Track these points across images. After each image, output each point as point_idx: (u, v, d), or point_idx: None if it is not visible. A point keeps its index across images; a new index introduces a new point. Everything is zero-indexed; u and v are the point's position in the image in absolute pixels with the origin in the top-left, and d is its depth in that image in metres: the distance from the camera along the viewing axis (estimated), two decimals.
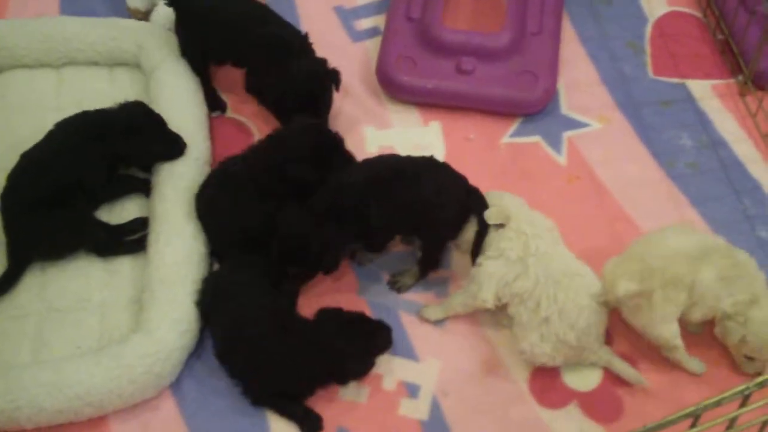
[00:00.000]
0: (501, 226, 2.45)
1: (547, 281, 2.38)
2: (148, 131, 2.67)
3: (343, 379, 2.43)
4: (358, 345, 2.40)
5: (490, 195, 2.53)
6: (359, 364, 2.43)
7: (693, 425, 1.78)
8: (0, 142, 2.83)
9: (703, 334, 2.48)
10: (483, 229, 2.47)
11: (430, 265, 2.62)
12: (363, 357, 2.42)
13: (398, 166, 2.52)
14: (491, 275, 2.41)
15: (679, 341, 2.38)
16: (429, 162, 2.55)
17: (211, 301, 2.45)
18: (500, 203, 2.49)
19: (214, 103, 2.98)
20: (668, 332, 2.36)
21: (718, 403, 1.74)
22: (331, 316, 2.42)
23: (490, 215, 2.46)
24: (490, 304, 2.43)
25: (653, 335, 2.38)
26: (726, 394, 1.78)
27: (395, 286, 2.63)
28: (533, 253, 2.40)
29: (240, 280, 2.48)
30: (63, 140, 2.64)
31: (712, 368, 2.46)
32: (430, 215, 2.49)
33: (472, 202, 2.52)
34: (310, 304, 2.52)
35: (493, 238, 2.45)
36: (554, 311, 2.37)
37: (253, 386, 2.40)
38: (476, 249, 2.48)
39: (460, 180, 2.54)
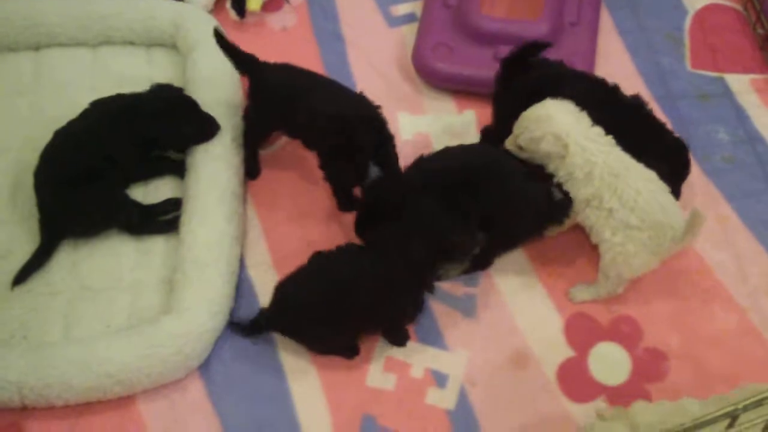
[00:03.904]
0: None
1: (608, 177, 2.39)
2: (180, 114, 2.67)
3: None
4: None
5: (538, 109, 2.47)
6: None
7: (730, 425, 1.75)
8: (34, 120, 2.85)
9: None
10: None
11: (483, 264, 2.61)
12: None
13: (469, 167, 2.50)
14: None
15: None
16: (512, 165, 2.52)
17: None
18: (551, 122, 2.42)
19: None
20: None
21: (758, 404, 1.70)
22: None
23: (552, 151, 2.44)
24: None
25: None
26: (767, 394, 1.74)
27: (438, 272, 2.61)
28: (597, 162, 2.40)
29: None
30: (96, 119, 2.64)
31: (742, 366, 2.46)
32: (505, 221, 2.50)
33: (553, 210, 2.51)
34: None
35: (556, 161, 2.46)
36: (615, 200, 2.39)
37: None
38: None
39: (542, 187, 2.51)
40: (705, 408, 2.06)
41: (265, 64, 2.69)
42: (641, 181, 2.40)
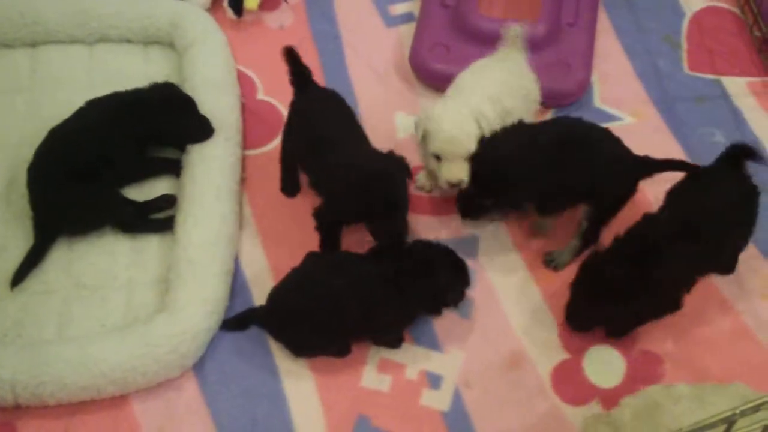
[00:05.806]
0: None
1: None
2: (179, 112, 2.66)
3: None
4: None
5: (455, 116, 2.50)
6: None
7: (727, 431, 1.74)
8: (31, 117, 2.84)
9: None
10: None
11: (593, 238, 2.60)
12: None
13: (567, 135, 2.51)
14: None
15: None
16: (602, 131, 2.54)
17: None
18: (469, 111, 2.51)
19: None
20: None
21: (756, 409, 1.69)
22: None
23: None
24: None
25: None
26: (765, 399, 1.73)
27: (551, 263, 2.63)
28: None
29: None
30: (92, 118, 2.64)
31: (737, 369, 2.46)
32: (603, 184, 2.49)
33: (644, 170, 2.55)
34: None
35: None
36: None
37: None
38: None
39: (629, 151, 2.52)
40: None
41: (311, 85, 2.66)
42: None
